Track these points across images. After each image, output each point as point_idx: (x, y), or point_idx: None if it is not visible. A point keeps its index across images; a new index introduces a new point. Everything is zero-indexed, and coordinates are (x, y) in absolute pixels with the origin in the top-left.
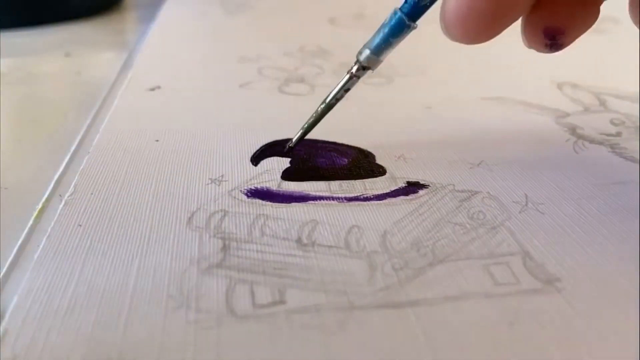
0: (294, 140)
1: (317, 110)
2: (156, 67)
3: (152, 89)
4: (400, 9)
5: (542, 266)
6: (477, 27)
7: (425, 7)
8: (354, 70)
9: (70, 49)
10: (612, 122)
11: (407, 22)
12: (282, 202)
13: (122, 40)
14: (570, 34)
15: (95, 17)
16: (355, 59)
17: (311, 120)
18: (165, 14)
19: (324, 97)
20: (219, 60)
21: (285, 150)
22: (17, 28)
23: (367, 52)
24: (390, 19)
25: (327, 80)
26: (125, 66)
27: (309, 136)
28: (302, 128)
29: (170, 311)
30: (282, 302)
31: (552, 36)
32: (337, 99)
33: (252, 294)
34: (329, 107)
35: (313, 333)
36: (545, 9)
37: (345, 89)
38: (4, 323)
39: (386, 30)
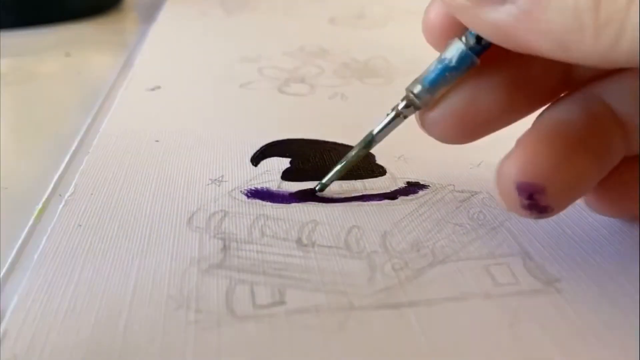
0: (325, 180)
1: (354, 149)
2: (156, 67)
3: (152, 89)
4: (460, 39)
5: (542, 267)
6: (457, 133)
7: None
8: (400, 106)
9: (70, 49)
10: None
11: (470, 55)
12: (282, 202)
13: (122, 40)
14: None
15: (95, 17)
16: (403, 96)
17: (345, 163)
18: (165, 14)
19: (363, 138)
20: (219, 60)
21: (316, 190)
22: (17, 28)
23: (419, 86)
24: (448, 49)
25: (327, 81)
26: (125, 66)
27: (309, 136)
28: (336, 170)
29: (170, 311)
30: (282, 302)
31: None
32: (377, 140)
33: (252, 294)
34: (368, 145)
35: (313, 333)
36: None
37: (390, 129)
38: (4, 323)
39: (448, 63)
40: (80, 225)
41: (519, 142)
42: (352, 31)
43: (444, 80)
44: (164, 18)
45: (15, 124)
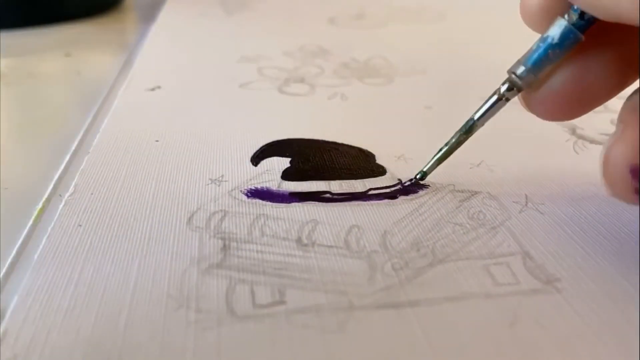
0: (425, 168)
1: (454, 136)
2: (156, 67)
3: (152, 89)
4: (563, 17)
5: (542, 266)
6: (564, 111)
7: (592, 18)
8: (502, 89)
9: (70, 49)
10: (612, 122)
11: (573, 30)
12: (282, 202)
13: (122, 40)
14: None
15: (95, 17)
16: (505, 78)
17: (446, 148)
18: (165, 14)
19: (464, 123)
20: (219, 60)
21: (417, 178)
22: (17, 28)
23: (521, 67)
24: (554, 30)
25: (327, 81)
26: (125, 66)
27: (309, 136)
28: (437, 157)
29: (170, 311)
30: (282, 302)
31: None
32: (477, 124)
33: (252, 294)
34: (469, 130)
35: (313, 333)
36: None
37: (492, 113)
38: (4, 323)
39: (551, 42)
40: (80, 225)
41: (626, 121)
42: (352, 31)
43: (547, 59)
44: (164, 18)
45: (15, 124)
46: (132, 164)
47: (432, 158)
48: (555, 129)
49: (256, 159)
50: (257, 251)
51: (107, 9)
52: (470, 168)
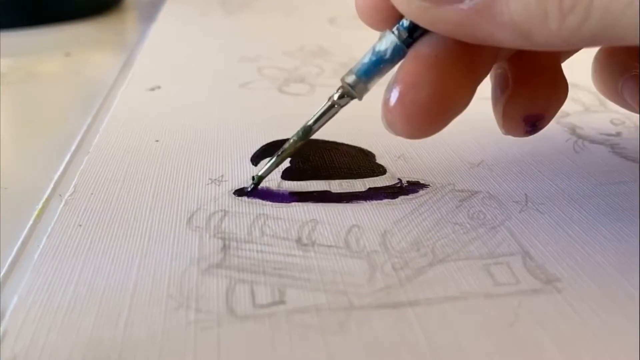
0: (262, 171)
1: (292, 139)
2: (156, 67)
3: (152, 89)
4: (393, 32)
5: (542, 266)
6: (422, 122)
7: (420, 36)
8: (335, 97)
9: (70, 49)
10: (612, 122)
11: (403, 48)
12: (282, 201)
13: (122, 40)
14: (548, 117)
15: (95, 17)
16: (338, 86)
17: (281, 153)
18: (165, 14)
19: (302, 124)
20: (219, 60)
21: (251, 185)
22: (17, 28)
23: (353, 77)
24: (381, 41)
25: (327, 80)
26: (125, 66)
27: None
28: (272, 162)
29: (170, 311)
30: (282, 302)
31: (532, 123)
32: (314, 129)
33: (252, 294)
34: (305, 135)
35: (313, 333)
36: (522, 98)
37: (326, 118)
38: (4, 323)
39: (382, 56)
40: (80, 225)
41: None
42: (352, 31)
43: (378, 71)
44: (164, 18)
45: (15, 124)
46: (132, 164)
47: (268, 162)
48: (555, 129)
49: (256, 158)
50: (257, 251)
51: (107, 9)
52: (470, 168)
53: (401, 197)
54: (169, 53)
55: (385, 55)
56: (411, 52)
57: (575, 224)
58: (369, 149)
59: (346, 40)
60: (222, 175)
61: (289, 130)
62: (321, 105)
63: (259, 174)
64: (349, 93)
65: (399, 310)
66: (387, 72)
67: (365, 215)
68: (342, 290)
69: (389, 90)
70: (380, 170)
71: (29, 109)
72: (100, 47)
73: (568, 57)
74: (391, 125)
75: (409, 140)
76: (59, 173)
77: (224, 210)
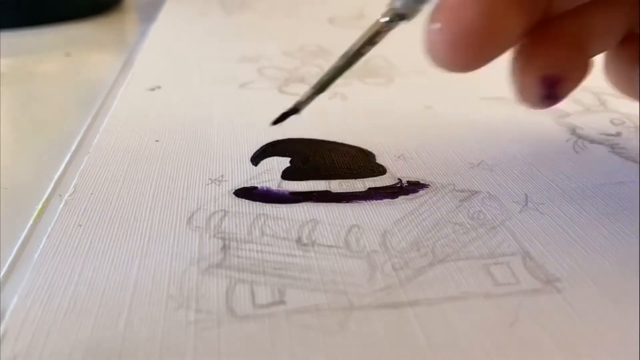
0: (303, 98)
1: (333, 66)
2: (156, 67)
3: (152, 89)
4: None
5: (542, 266)
6: (468, 48)
7: None
8: (383, 20)
9: (70, 49)
10: (612, 122)
11: None
12: (282, 202)
13: (122, 40)
14: (567, 84)
15: (95, 17)
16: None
17: (326, 78)
18: (165, 14)
19: (345, 51)
20: (219, 60)
21: (292, 108)
22: (17, 28)
23: None
24: None
25: None
26: (125, 66)
27: (309, 136)
28: (315, 85)
29: (170, 311)
30: (282, 302)
31: (550, 86)
32: (361, 54)
33: (252, 294)
34: (349, 63)
35: (313, 333)
36: (542, 55)
37: (372, 42)
38: (4, 323)
39: None
40: (80, 225)
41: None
42: (352, 31)
43: None
44: (164, 18)
45: (15, 124)
46: (132, 164)
47: (309, 90)
48: (555, 129)
49: (256, 158)
50: (257, 251)
51: (107, 9)
52: (470, 168)
53: (401, 197)
54: (169, 53)
55: None
56: None
57: (575, 224)
58: (369, 149)
59: (346, 40)
60: (222, 175)
61: (289, 131)
62: (366, 30)
63: (298, 100)
64: (399, 14)
65: (399, 310)
66: None
67: (365, 215)
68: (342, 290)
69: (432, 14)
70: (380, 170)
71: (29, 109)
72: (100, 47)
73: (598, 50)
74: (435, 54)
75: (409, 140)
76: (59, 173)
77: (224, 210)
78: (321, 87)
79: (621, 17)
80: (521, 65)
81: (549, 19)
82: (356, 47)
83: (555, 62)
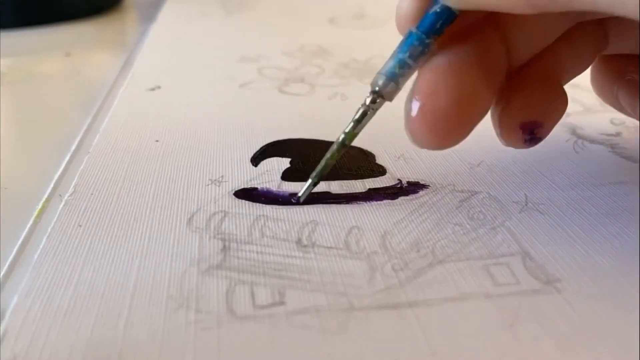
0: (303, 190)
1: (330, 152)
2: (156, 67)
3: (152, 89)
4: (416, 28)
5: (542, 266)
6: (445, 130)
7: (443, 25)
8: (368, 101)
9: (70, 49)
10: (612, 122)
11: (426, 40)
12: (282, 203)
13: (122, 40)
14: (546, 125)
15: (95, 17)
16: (369, 91)
17: (323, 164)
18: (165, 14)
19: (337, 138)
20: (219, 60)
21: (294, 200)
22: (17, 28)
23: (382, 78)
24: (406, 38)
25: (327, 80)
26: (125, 66)
27: (309, 136)
28: (314, 177)
29: (170, 312)
30: (282, 303)
31: (530, 130)
32: (354, 135)
33: (252, 294)
34: (343, 145)
35: (313, 334)
36: (518, 103)
37: (362, 125)
38: (4, 323)
39: (403, 50)
40: (80, 225)
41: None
42: (352, 31)
43: (404, 72)
44: (164, 18)
45: (15, 124)
46: (132, 164)
47: (307, 184)
48: (555, 129)
49: (256, 159)
50: (257, 252)
51: (107, 9)
52: (470, 168)
53: (401, 198)
54: (169, 53)
55: (411, 53)
56: (426, 65)
57: (575, 224)
58: (369, 150)
59: (346, 40)
60: (222, 176)
61: (289, 131)
62: (354, 113)
63: (299, 195)
64: (380, 95)
65: (399, 311)
66: (413, 72)
67: (365, 216)
68: (342, 292)
69: (409, 102)
70: (380, 171)
71: (29, 109)
72: (100, 47)
73: (572, 77)
74: (415, 136)
75: (408, 140)
76: (59, 173)
77: (224, 211)
78: (321, 176)
79: (591, 44)
80: (500, 115)
81: (518, 67)
82: (347, 130)
83: (532, 108)
